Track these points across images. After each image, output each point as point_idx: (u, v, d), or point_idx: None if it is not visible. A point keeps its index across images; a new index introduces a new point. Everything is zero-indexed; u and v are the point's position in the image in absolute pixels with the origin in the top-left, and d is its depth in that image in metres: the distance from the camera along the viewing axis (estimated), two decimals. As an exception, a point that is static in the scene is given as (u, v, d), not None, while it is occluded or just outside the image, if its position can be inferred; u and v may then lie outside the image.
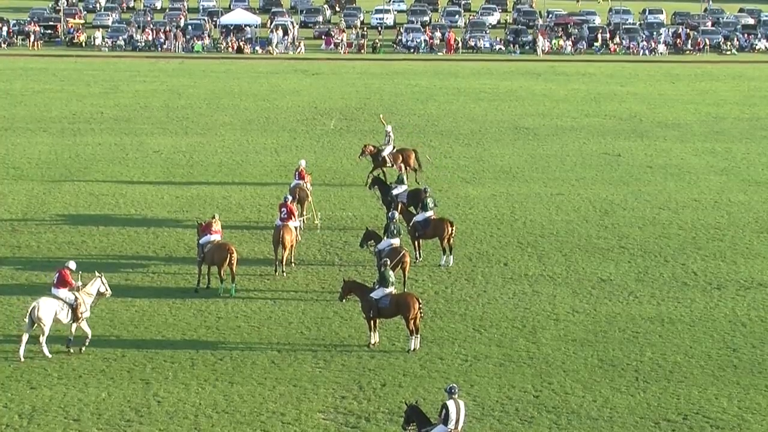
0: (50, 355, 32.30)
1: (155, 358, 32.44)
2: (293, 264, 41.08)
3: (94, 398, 29.80)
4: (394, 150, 52.77)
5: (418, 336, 33.38)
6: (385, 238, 39.24)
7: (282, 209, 41.34)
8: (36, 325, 32.34)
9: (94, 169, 56.70)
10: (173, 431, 28.10)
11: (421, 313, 33.19)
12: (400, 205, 42.79)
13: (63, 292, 33.10)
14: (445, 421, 25.17)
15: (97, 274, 34.42)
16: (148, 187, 52.89)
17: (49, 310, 32.44)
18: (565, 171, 57.33)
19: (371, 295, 33.61)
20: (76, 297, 33.11)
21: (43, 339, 32.46)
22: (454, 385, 26.05)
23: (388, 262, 35.27)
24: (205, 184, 53.49)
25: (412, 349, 33.09)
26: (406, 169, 49.85)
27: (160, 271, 40.25)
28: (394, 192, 44.88)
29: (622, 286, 39.35)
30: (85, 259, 41.52)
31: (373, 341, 33.62)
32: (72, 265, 33.97)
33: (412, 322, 32.97)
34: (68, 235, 44.81)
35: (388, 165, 51.87)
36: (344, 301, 35.16)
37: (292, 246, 40.88)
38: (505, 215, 48.48)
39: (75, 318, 32.97)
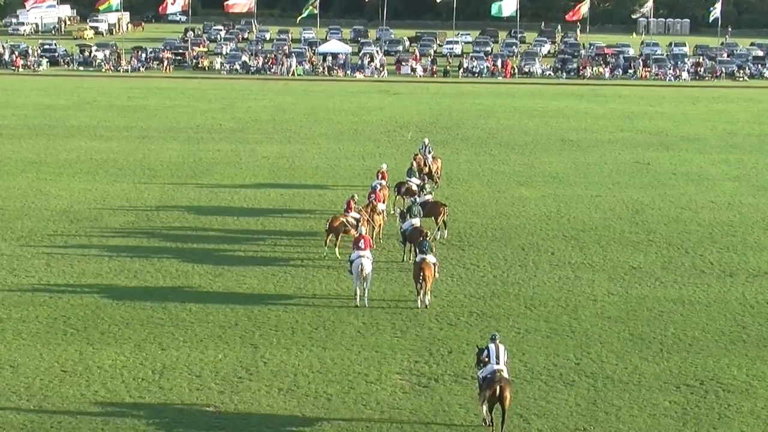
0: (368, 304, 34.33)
1: (262, 326, 32.60)
2: (380, 240, 41.95)
3: (213, 358, 30.01)
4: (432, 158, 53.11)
5: (427, 295, 34.48)
6: (408, 218, 40.23)
7: (371, 196, 42.86)
8: (364, 280, 34.17)
9: (214, 171, 57.09)
10: (276, 387, 28.21)
11: (423, 279, 33.98)
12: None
13: (368, 252, 34.84)
14: (488, 357, 25.93)
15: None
16: (257, 186, 53.16)
17: (370, 265, 34.38)
18: (603, 176, 56.89)
19: (416, 259, 35.33)
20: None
21: (366, 290, 34.40)
22: (496, 333, 27.16)
23: (428, 234, 37.50)
24: (304, 184, 53.66)
25: (427, 305, 34.38)
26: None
27: (267, 255, 40.44)
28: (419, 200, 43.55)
29: (650, 272, 38.97)
30: (206, 243, 41.90)
31: (419, 304, 34.52)
32: (363, 230, 36.06)
33: (424, 283, 34.16)
34: (192, 224, 45.15)
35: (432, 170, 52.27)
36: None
37: (380, 226, 41.72)
38: (552, 213, 48.20)
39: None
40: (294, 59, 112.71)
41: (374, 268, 35.60)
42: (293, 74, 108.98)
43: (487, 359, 26.02)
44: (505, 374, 25.83)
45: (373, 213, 41.62)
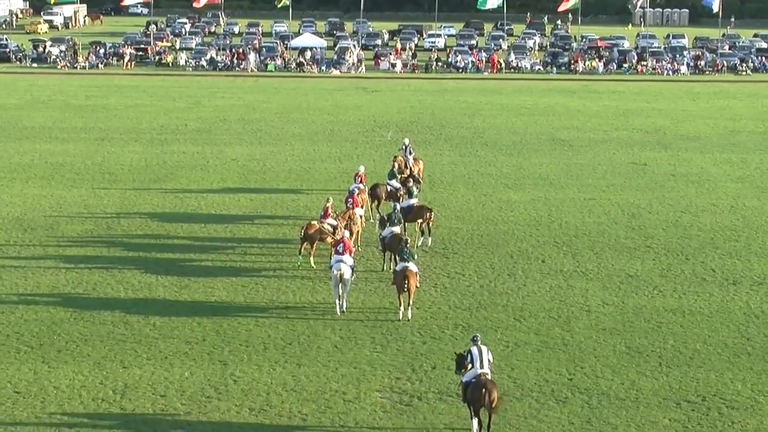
0: (343, 312, 34.83)
1: (232, 342, 32.56)
2: (359, 248, 41.73)
3: (179, 377, 29.96)
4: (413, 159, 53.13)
5: (409, 307, 34.69)
6: (387, 225, 40.26)
7: (348, 200, 43.07)
8: (341, 284, 34.62)
9: (179, 174, 57.01)
10: (247, 407, 28.18)
11: (406, 288, 34.29)
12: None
13: (347, 258, 35.23)
14: (472, 362, 26.31)
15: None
16: (226, 191, 53.11)
17: (349, 271, 34.85)
18: (597, 178, 57.05)
19: (396, 267, 35.64)
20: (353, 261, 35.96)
21: (345, 296, 34.91)
22: (477, 335, 27.59)
23: (408, 241, 37.31)
24: (276, 189, 53.64)
25: (409, 317, 34.53)
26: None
27: (237, 265, 40.39)
28: (403, 204, 43.69)
29: (648, 281, 39.09)
30: (170, 253, 41.82)
31: (400, 316, 34.75)
32: (347, 233, 37.15)
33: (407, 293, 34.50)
34: (156, 232, 45.05)
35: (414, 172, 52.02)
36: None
37: (358, 231, 41.95)
38: (543, 217, 48.30)
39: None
40: (253, 55, 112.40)
41: (354, 278, 35.64)
42: (255, 70, 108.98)
43: (470, 365, 26.32)
44: (490, 377, 25.97)
45: (351, 219, 41.61)
